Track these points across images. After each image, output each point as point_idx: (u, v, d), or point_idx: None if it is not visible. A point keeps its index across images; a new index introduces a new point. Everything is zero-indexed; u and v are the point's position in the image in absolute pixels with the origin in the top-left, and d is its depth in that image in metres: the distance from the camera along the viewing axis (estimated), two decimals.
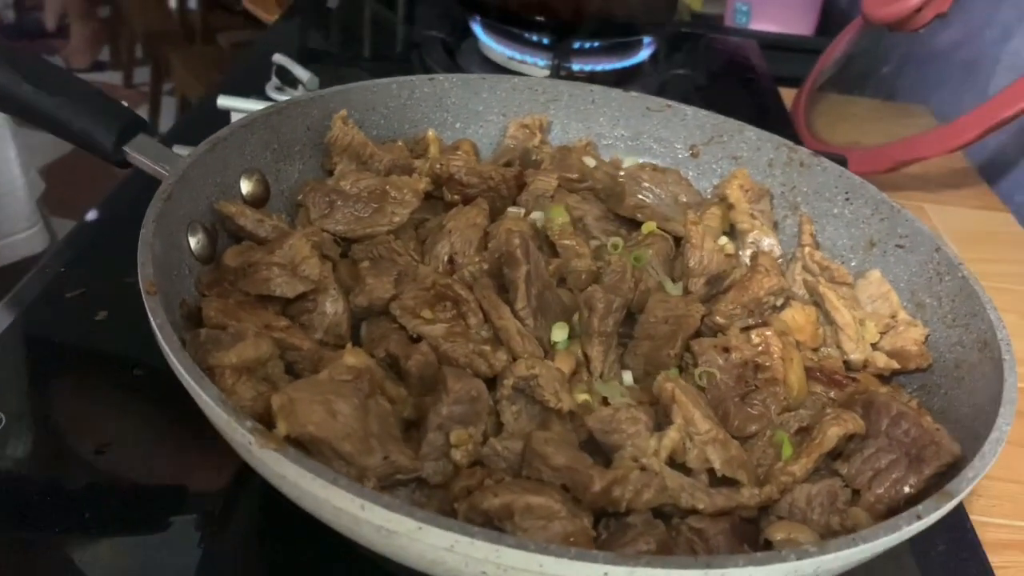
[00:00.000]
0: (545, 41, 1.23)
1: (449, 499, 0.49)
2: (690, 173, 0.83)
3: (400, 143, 0.77)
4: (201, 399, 0.46)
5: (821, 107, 1.31)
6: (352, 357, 0.53)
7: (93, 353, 0.71)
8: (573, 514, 0.46)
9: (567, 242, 0.67)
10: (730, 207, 0.74)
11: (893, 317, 0.66)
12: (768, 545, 0.50)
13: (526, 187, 0.73)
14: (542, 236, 0.69)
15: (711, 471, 0.53)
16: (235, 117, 1.00)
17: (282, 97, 1.08)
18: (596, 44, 1.24)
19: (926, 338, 0.65)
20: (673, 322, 0.62)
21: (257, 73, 1.14)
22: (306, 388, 0.49)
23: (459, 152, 0.78)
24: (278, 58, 1.09)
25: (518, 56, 1.22)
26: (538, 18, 1.19)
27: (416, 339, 0.59)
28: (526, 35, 1.23)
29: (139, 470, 0.62)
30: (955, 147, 1.03)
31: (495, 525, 0.46)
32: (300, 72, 1.07)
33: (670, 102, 0.83)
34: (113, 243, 0.83)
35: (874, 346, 0.65)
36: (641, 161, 0.83)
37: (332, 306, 0.61)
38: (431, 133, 0.77)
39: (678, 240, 0.72)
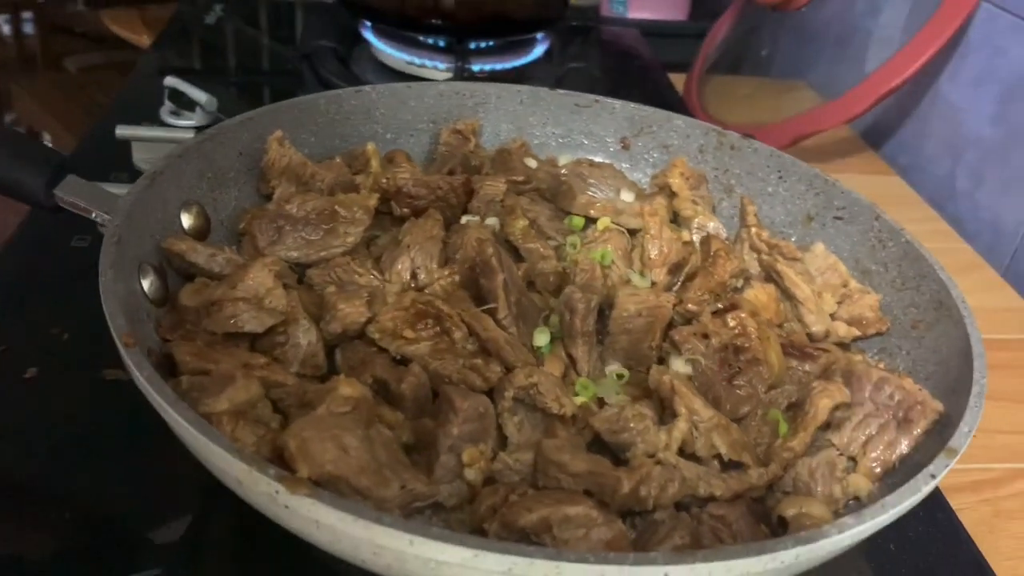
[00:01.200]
0: (441, 43, 1.21)
1: (475, 520, 0.48)
2: (623, 165, 0.84)
3: (339, 160, 0.75)
4: (211, 452, 0.42)
5: (711, 89, 1.35)
6: (348, 388, 0.51)
7: (29, 414, 0.66)
8: (608, 519, 0.46)
9: (531, 245, 0.67)
10: (673, 195, 0.76)
11: (845, 286, 0.69)
12: (782, 521, 0.51)
13: (475, 194, 0.72)
14: (502, 241, 0.68)
15: (717, 457, 0.54)
16: (136, 146, 0.95)
17: (180, 121, 1.03)
18: (492, 44, 1.24)
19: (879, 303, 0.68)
20: (647, 314, 0.62)
21: (145, 98, 1.08)
22: (311, 426, 0.47)
23: (398, 164, 0.76)
24: (171, 81, 1.03)
25: (416, 60, 1.20)
26: (433, 21, 1.17)
27: (400, 361, 0.58)
28: (421, 38, 1.22)
29: (98, 528, 0.58)
30: (851, 118, 1.08)
31: (531, 540, 0.46)
32: (197, 94, 1.02)
33: (598, 97, 0.84)
34: (29, 292, 0.77)
35: (833, 316, 0.68)
36: (576, 158, 0.83)
37: (305, 336, 0.58)
38: (371, 147, 0.74)
39: (631, 233, 0.73)
